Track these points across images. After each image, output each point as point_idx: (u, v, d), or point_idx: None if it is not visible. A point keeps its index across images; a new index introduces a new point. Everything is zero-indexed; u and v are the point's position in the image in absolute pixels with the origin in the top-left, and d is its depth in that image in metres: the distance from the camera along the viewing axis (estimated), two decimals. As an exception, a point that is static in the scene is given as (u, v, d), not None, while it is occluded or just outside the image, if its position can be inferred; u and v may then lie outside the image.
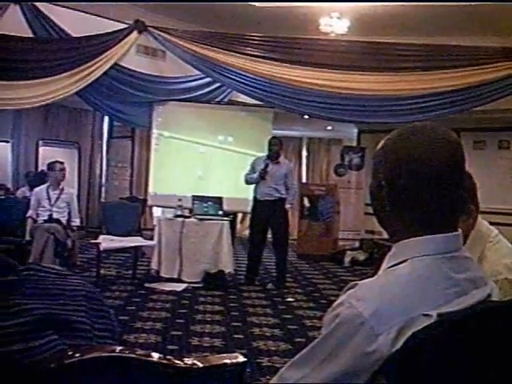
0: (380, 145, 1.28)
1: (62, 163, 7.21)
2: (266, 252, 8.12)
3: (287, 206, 7.50)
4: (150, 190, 9.41)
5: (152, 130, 9.33)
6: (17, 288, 1.15)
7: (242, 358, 1.17)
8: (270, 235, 7.74)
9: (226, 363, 1.15)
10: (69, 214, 7.02)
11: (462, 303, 1.12)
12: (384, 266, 1.23)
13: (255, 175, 7.38)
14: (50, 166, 7.22)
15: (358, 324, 1.07)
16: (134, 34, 8.54)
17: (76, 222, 7.06)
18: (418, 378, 1.03)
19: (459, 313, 1.10)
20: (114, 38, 8.31)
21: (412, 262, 1.17)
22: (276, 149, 7.45)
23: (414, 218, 1.21)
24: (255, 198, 7.52)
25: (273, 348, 4.66)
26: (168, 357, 1.07)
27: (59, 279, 1.21)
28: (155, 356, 1.06)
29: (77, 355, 1.01)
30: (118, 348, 1.07)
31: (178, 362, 1.06)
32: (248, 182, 7.58)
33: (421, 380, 1.03)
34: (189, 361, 1.08)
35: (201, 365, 1.08)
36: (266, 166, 7.34)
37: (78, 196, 10.41)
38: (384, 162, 1.24)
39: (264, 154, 7.63)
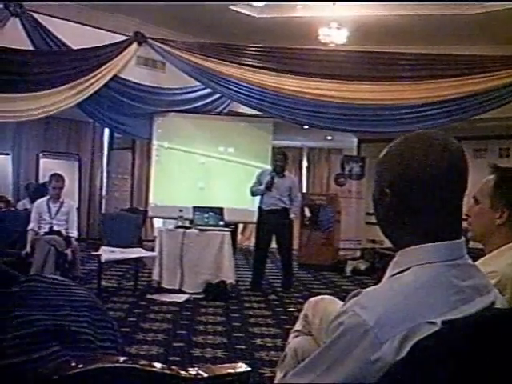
0: (383, 153, 1.28)
1: (60, 176, 7.17)
2: (268, 263, 8.15)
3: (292, 215, 7.79)
4: (151, 201, 9.41)
5: (152, 142, 9.35)
6: (19, 299, 1.14)
7: (246, 368, 1.16)
8: (273, 244, 7.94)
9: (230, 373, 1.14)
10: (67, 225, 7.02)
11: (466, 311, 1.12)
12: (388, 273, 1.23)
13: (261, 187, 7.62)
14: (50, 179, 7.22)
15: (362, 332, 1.06)
16: (134, 45, 8.59)
17: (74, 233, 7.02)
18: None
19: (463, 320, 1.10)
20: (114, 50, 8.35)
21: (416, 269, 1.17)
22: (281, 164, 7.73)
23: (417, 225, 1.21)
24: (260, 209, 7.75)
25: (275, 358, 4.61)
26: (172, 367, 1.07)
27: (62, 290, 1.20)
28: (159, 366, 1.05)
29: (80, 366, 1.00)
30: (122, 358, 1.06)
31: (183, 372, 1.06)
32: (254, 194, 7.83)
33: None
34: (193, 371, 1.07)
35: (205, 375, 1.07)
36: (272, 178, 7.57)
37: (79, 208, 10.43)
38: (387, 170, 1.24)
39: (264, 164, 7.95)
